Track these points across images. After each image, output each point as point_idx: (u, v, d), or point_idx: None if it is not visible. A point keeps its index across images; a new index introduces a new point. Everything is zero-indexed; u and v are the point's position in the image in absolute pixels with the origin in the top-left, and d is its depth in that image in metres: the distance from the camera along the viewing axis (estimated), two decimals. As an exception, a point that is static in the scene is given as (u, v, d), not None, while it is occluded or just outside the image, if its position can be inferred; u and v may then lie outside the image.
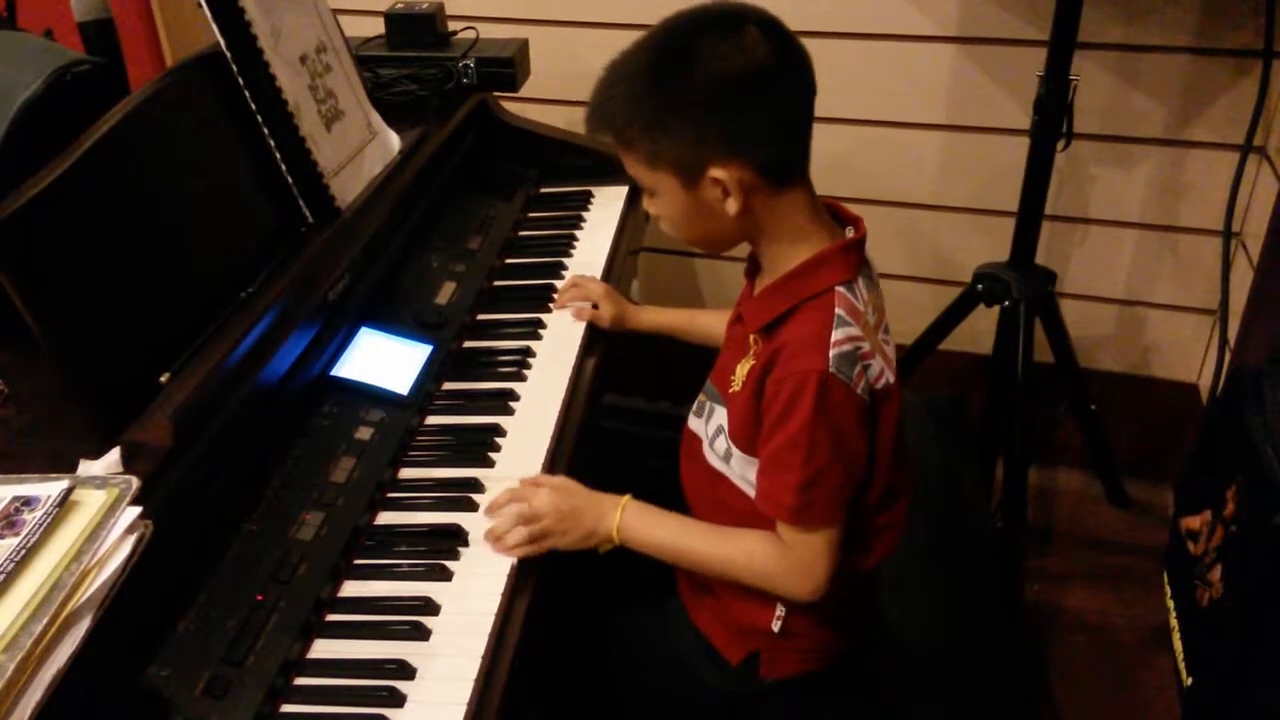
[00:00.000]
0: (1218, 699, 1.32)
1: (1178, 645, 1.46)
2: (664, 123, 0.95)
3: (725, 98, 0.93)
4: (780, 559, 1.01)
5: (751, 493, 1.05)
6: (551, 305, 1.43)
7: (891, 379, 1.01)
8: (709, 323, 1.33)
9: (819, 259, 0.99)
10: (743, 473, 1.06)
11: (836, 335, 0.96)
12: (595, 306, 1.41)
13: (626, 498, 1.09)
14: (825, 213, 1.03)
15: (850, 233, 1.02)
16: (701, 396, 1.14)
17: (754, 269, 1.08)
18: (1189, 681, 1.40)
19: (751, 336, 1.04)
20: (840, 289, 0.98)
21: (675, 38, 0.96)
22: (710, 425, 1.10)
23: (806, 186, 1.01)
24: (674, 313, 1.41)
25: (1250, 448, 1.29)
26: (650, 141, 0.97)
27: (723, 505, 1.08)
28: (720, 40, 0.93)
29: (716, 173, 0.95)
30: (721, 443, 1.08)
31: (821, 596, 1.01)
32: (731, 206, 0.97)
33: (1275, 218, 1.66)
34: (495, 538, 1.06)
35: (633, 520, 1.08)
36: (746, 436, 1.04)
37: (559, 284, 1.48)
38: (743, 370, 1.04)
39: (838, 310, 0.97)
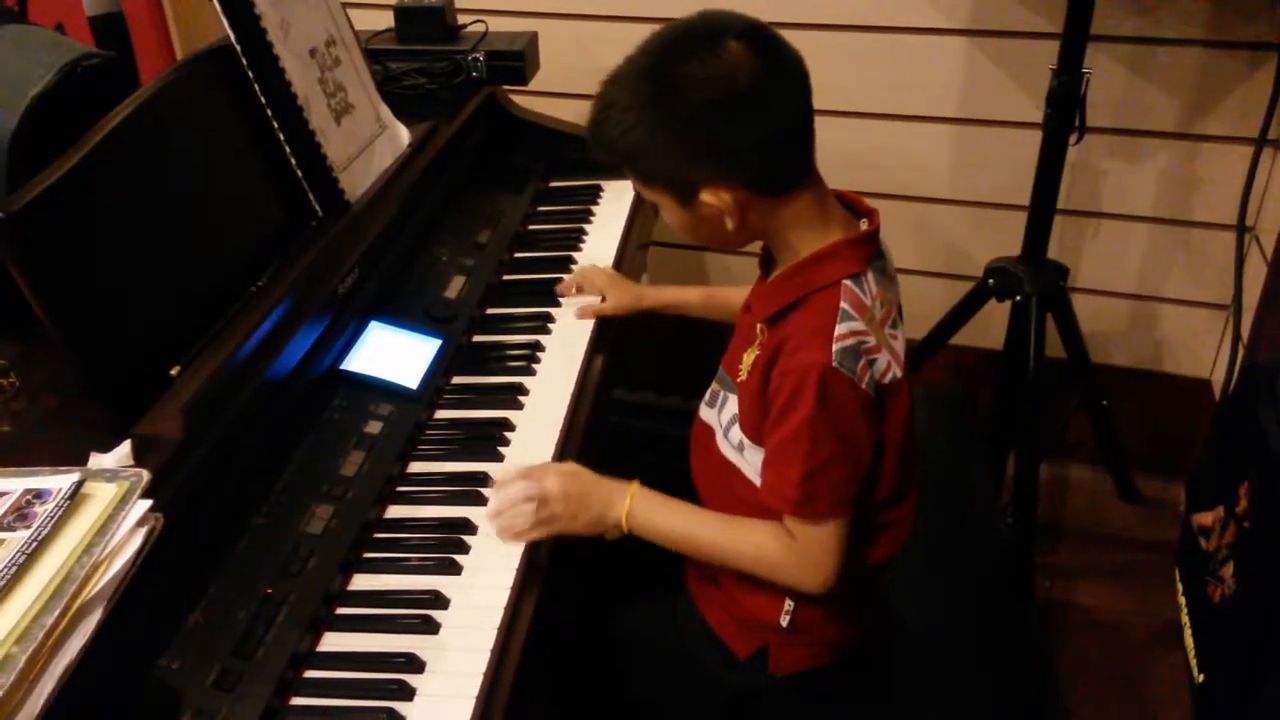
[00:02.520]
0: (1229, 696, 1.32)
1: (1189, 642, 1.45)
2: (652, 150, 0.96)
3: (707, 125, 0.93)
4: (788, 551, 1.01)
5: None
6: (560, 300, 1.43)
7: (899, 374, 1.01)
8: (728, 297, 1.33)
9: (828, 251, 0.99)
10: (755, 462, 1.05)
11: (840, 329, 0.95)
12: (603, 298, 1.40)
13: (635, 485, 1.09)
14: (837, 206, 1.03)
15: (864, 225, 1.02)
16: (714, 385, 1.13)
17: (768, 260, 1.08)
18: (1200, 678, 1.39)
19: (758, 326, 1.03)
20: (847, 282, 0.98)
21: (657, 62, 0.95)
22: (724, 414, 1.10)
23: (811, 186, 1.00)
24: (691, 290, 1.40)
25: (1263, 444, 1.28)
26: (643, 165, 0.99)
27: (735, 497, 1.08)
28: (700, 64, 0.92)
29: (707, 197, 0.96)
30: (735, 433, 1.07)
31: (830, 589, 1.01)
32: (729, 223, 0.98)
33: (1290, 212, 1.65)
34: (498, 514, 1.06)
35: (641, 507, 1.07)
36: (754, 426, 1.03)
37: (568, 279, 1.48)
38: (749, 359, 1.04)
39: (843, 304, 0.96)
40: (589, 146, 1.02)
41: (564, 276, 1.48)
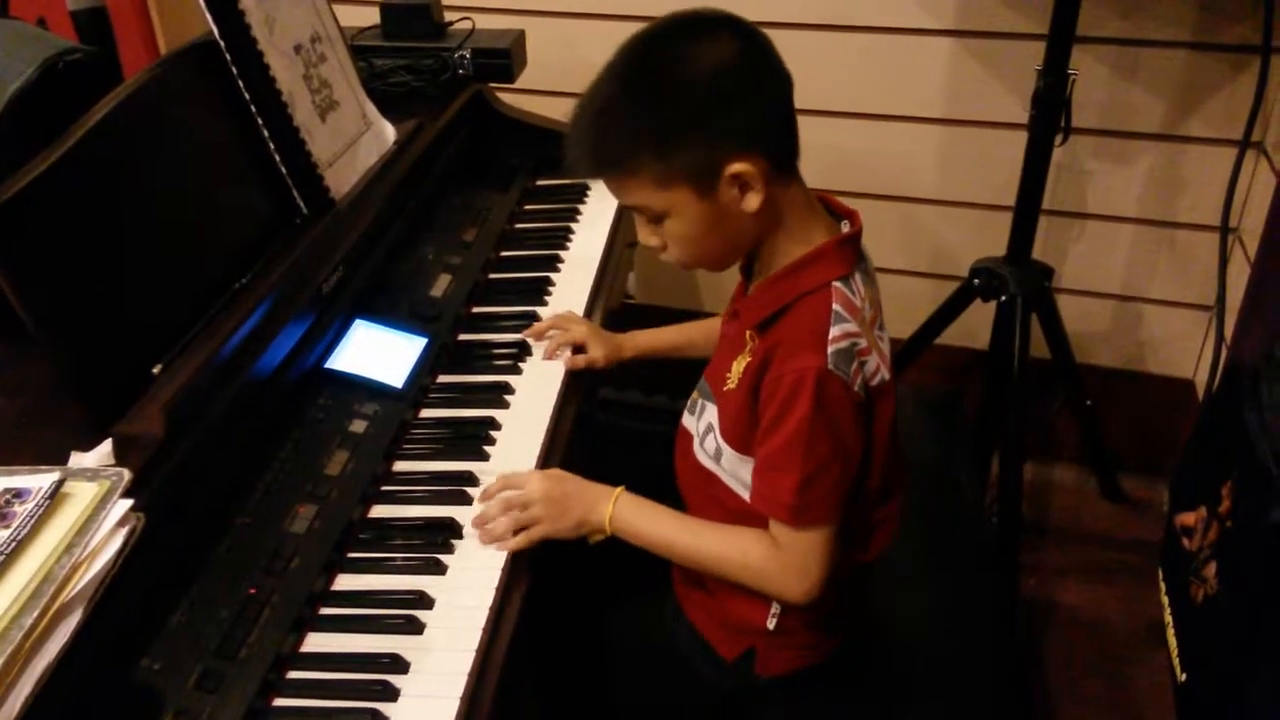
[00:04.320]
0: (1211, 695, 1.33)
1: (1172, 641, 1.46)
2: (673, 137, 0.93)
3: (726, 93, 0.92)
4: (773, 560, 1.00)
5: (743, 491, 1.04)
6: (534, 349, 1.33)
7: (887, 376, 1.01)
8: (705, 334, 1.29)
9: (816, 254, 0.98)
10: (734, 471, 1.05)
11: (834, 332, 0.95)
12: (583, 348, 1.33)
13: (620, 489, 1.09)
14: (820, 206, 1.03)
15: (846, 227, 1.02)
16: (695, 394, 1.13)
17: (749, 266, 1.07)
18: (1183, 678, 1.40)
19: (748, 333, 1.03)
20: (837, 284, 0.97)
21: (652, 53, 0.94)
22: (701, 423, 1.10)
23: (800, 179, 1.00)
24: (668, 331, 1.36)
25: (1246, 444, 1.29)
26: (661, 161, 0.94)
27: (716, 503, 1.08)
28: (698, 43, 0.92)
29: (736, 167, 0.93)
30: (711, 441, 1.07)
31: (815, 598, 1.00)
32: (753, 201, 0.94)
33: (1273, 213, 1.66)
34: (484, 524, 1.06)
35: (625, 512, 1.07)
36: (740, 434, 1.03)
37: (555, 276, 1.48)
38: (739, 367, 1.03)
39: (835, 306, 0.96)
40: (583, 169, 0.98)
41: (551, 275, 1.48)
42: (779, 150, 0.96)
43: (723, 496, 1.07)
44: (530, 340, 1.34)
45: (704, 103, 0.92)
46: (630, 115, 0.94)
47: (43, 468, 0.86)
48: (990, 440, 1.88)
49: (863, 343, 0.97)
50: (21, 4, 1.58)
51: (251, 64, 1.19)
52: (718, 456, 1.06)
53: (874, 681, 1.17)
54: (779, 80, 0.96)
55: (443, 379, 1.29)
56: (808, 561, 0.99)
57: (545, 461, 1.17)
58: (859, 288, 0.99)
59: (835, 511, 0.99)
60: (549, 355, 1.31)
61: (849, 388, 0.95)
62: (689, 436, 1.12)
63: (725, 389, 1.05)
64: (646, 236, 1.02)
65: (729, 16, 0.95)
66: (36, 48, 1.15)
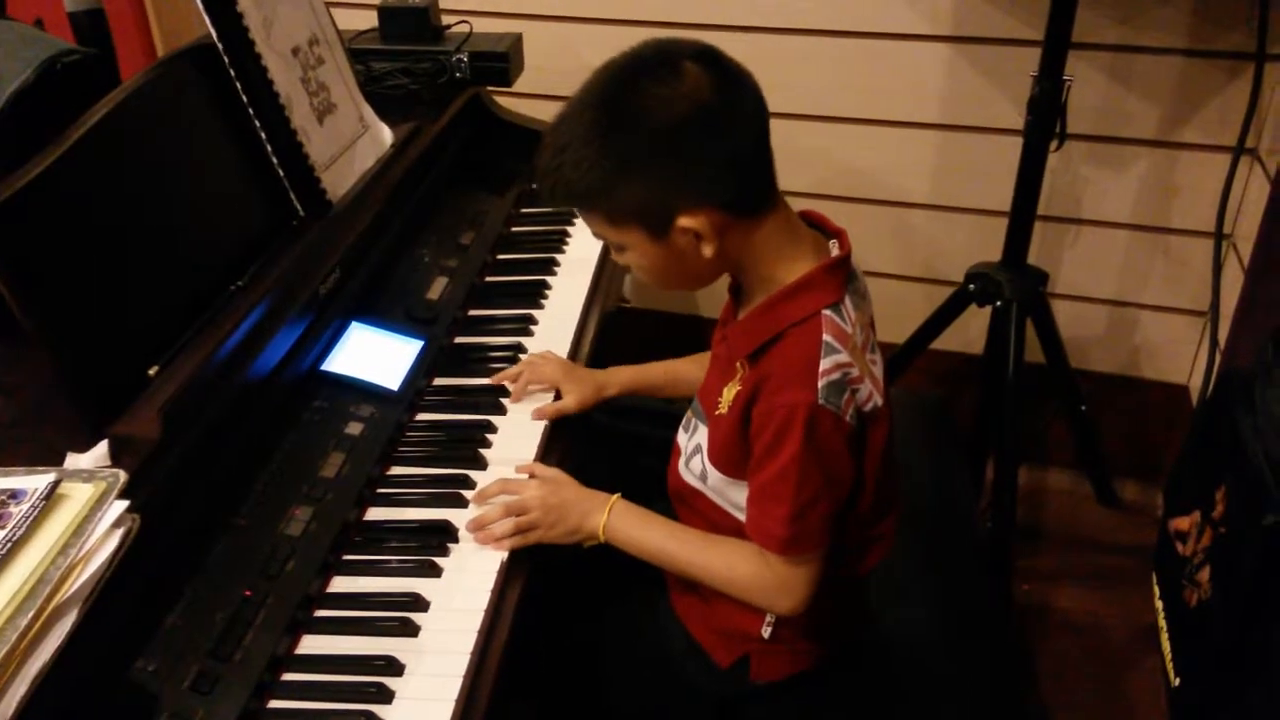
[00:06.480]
0: (1205, 700, 1.33)
1: (1166, 646, 1.46)
2: (622, 181, 0.92)
3: (678, 145, 0.90)
4: (762, 576, 1.01)
5: (730, 509, 1.05)
6: (509, 394, 1.27)
7: (880, 401, 0.99)
8: (691, 372, 1.27)
9: (804, 282, 0.96)
10: (720, 491, 1.05)
11: (825, 364, 0.93)
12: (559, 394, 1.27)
13: (615, 497, 1.09)
14: (805, 227, 1.01)
15: (835, 248, 1.00)
16: (689, 413, 1.13)
17: (737, 287, 1.06)
18: (1176, 682, 1.40)
19: (738, 361, 1.01)
20: (827, 313, 0.95)
21: (615, 92, 0.92)
22: (690, 443, 1.10)
23: (780, 207, 0.98)
24: (652, 368, 1.31)
25: (1239, 449, 1.29)
26: (611, 202, 0.94)
27: (700, 515, 1.09)
28: (661, 85, 0.89)
29: (686, 222, 0.92)
30: (697, 463, 1.07)
31: (801, 611, 1.01)
32: (706, 250, 0.94)
33: (1266, 220, 1.67)
34: (480, 526, 1.06)
35: (619, 521, 1.07)
36: (729, 459, 1.02)
37: (551, 280, 1.48)
38: (729, 394, 1.02)
39: (825, 337, 0.94)
40: (546, 194, 0.97)
41: (547, 279, 1.48)
42: (740, 196, 0.94)
43: (707, 511, 1.08)
44: (507, 383, 1.27)
45: (657, 153, 0.91)
46: (587, 152, 0.92)
47: (39, 469, 0.86)
48: (985, 445, 1.88)
49: (855, 371, 0.95)
50: (19, 5, 1.58)
51: (249, 66, 1.19)
52: (703, 477, 1.07)
53: (868, 686, 1.17)
54: (745, 121, 0.92)
55: (439, 382, 1.29)
56: (794, 582, 0.99)
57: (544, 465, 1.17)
58: (849, 313, 0.97)
59: (825, 539, 0.99)
60: (515, 399, 1.26)
61: (840, 420, 0.94)
62: (678, 453, 1.12)
63: (716, 413, 1.04)
64: (614, 256, 1.02)
65: (701, 51, 0.92)
66: (34, 49, 1.15)
